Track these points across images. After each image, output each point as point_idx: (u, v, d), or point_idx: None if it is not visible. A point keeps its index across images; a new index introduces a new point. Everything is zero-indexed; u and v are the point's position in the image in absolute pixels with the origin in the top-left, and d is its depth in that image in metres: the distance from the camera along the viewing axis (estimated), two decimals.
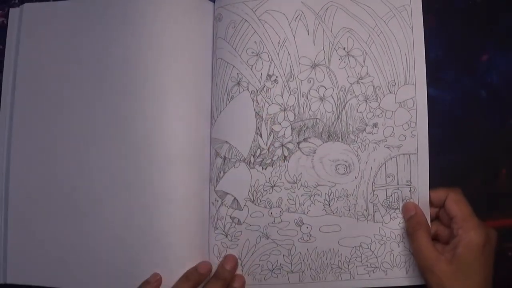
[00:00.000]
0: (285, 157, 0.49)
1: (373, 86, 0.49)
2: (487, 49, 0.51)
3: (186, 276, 0.48)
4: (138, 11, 0.51)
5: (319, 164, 0.49)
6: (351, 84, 0.49)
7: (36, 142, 0.52)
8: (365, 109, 0.49)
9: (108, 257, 0.50)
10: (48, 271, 0.50)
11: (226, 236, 0.50)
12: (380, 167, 0.49)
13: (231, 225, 0.50)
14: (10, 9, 0.54)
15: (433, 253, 0.46)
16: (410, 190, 0.49)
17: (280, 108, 0.50)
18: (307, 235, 0.49)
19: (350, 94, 0.49)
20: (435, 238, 0.48)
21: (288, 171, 0.49)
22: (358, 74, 0.49)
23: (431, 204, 0.49)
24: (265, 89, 0.50)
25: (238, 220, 0.50)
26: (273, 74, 0.50)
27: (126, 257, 0.49)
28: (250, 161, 0.50)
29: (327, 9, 0.50)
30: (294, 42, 0.50)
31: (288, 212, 0.49)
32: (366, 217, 0.49)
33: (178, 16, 0.50)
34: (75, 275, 0.50)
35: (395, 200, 0.49)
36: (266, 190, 0.49)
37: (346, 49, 0.49)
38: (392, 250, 0.49)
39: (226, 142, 0.50)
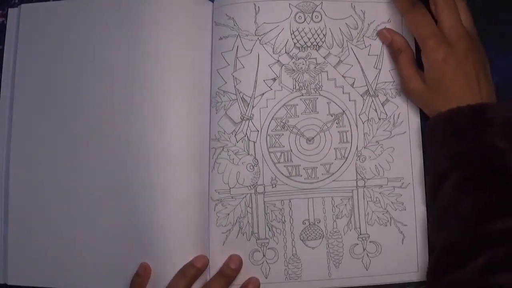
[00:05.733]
0: None
1: None
2: (487, 49, 0.51)
3: (182, 272, 0.48)
4: (137, 10, 0.51)
5: None
6: None
7: (35, 142, 0.52)
8: None
9: (108, 257, 0.50)
10: (48, 271, 0.50)
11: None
12: None
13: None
14: (9, 9, 0.54)
15: (411, 74, 0.48)
16: None
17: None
18: None
19: None
20: None
21: None
22: None
23: None
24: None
25: None
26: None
27: (126, 256, 0.49)
28: None
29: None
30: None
31: None
32: None
33: (178, 14, 0.51)
34: (76, 275, 0.50)
35: None
36: None
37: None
38: None
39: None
